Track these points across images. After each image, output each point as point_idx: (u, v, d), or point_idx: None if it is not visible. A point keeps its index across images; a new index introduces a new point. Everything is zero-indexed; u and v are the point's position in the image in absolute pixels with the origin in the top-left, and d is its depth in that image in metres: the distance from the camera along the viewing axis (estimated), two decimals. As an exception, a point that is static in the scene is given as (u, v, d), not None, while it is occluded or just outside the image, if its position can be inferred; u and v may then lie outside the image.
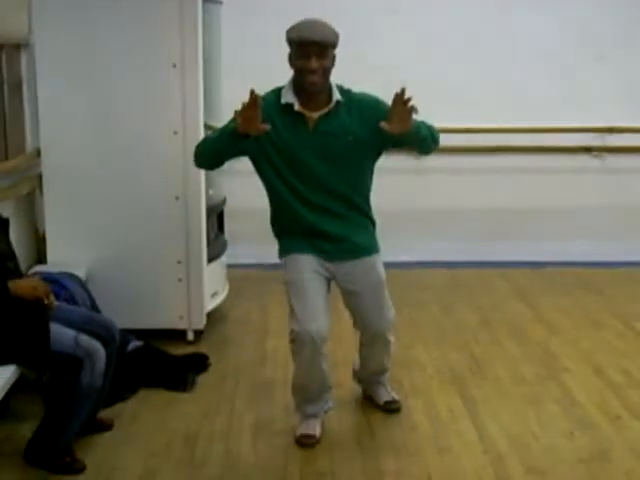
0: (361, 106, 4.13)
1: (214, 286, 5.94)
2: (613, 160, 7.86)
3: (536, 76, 7.53)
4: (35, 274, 4.71)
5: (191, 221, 5.52)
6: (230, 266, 6.52)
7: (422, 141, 4.10)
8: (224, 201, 6.26)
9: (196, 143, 5.30)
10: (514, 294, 6.95)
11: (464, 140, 7.45)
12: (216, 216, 6.13)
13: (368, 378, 4.76)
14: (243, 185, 7.02)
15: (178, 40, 5.29)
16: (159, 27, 5.32)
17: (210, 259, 5.76)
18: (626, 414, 4.71)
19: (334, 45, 4.02)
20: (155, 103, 5.39)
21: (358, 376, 4.83)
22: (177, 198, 5.47)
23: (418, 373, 5.24)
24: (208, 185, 5.69)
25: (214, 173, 5.66)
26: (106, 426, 4.48)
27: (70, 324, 4.05)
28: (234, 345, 5.77)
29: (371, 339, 4.50)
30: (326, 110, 4.08)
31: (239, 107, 3.81)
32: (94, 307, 4.84)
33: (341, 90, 4.13)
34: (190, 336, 5.69)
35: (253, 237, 7.05)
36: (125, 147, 5.45)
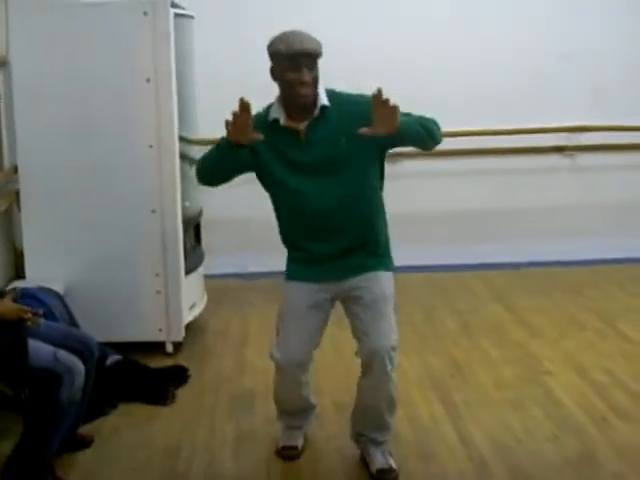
0: (349, 106, 3.89)
1: (192, 298, 5.92)
2: (585, 159, 7.87)
3: (506, 78, 7.53)
4: (13, 289, 4.68)
5: (168, 234, 5.52)
6: (208, 277, 6.49)
7: (416, 137, 3.80)
8: (200, 213, 6.24)
9: (171, 156, 5.30)
10: (492, 296, 6.95)
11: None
12: (193, 228, 6.10)
13: (365, 431, 4.25)
14: (219, 196, 7.01)
15: (151, 55, 5.32)
16: (132, 43, 5.34)
17: (188, 271, 5.75)
18: (611, 415, 4.70)
19: (321, 55, 3.83)
20: (130, 118, 5.40)
21: (356, 432, 4.33)
22: (154, 211, 5.46)
23: (399, 380, 5.18)
24: (184, 197, 5.68)
25: (190, 185, 5.66)
26: (86, 442, 4.44)
27: (48, 340, 4.02)
28: (213, 356, 5.74)
29: (368, 359, 4.03)
30: (312, 118, 3.88)
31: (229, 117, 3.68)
32: (73, 322, 4.80)
33: (328, 94, 3.91)
34: (169, 348, 5.66)
35: (230, 247, 7.05)
36: (101, 162, 5.44)
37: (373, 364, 4.01)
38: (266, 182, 4.03)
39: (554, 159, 7.84)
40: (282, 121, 3.89)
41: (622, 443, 4.40)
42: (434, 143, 3.90)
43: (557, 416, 4.71)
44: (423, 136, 3.82)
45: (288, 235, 4.12)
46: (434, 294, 7.05)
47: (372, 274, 4.07)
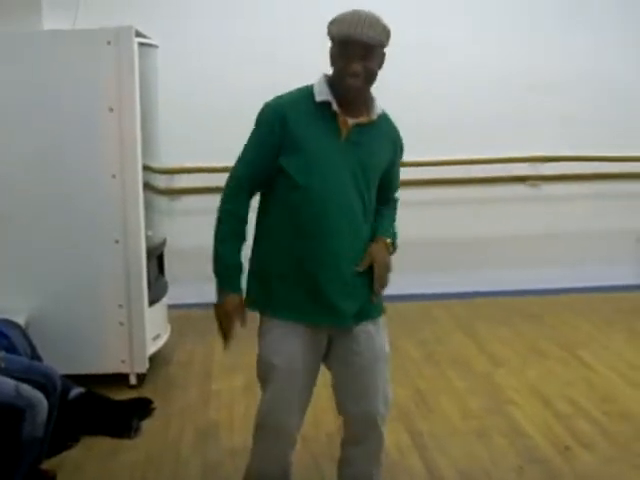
0: (392, 133, 3.62)
1: (156, 329, 5.88)
2: (547, 188, 7.94)
3: (475, 109, 7.57)
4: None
5: (131, 264, 5.47)
6: (171, 307, 6.44)
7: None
8: (164, 242, 6.21)
9: (135, 186, 5.26)
10: (455, 326, 6.96)
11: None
12: (156, 258, 6.07)
13: None
14: (182, 225, 7.01)
15: (115, 84, 5.29)
16: (96, 72, 5.32)
17: (151, 302, 5.71)
18: (575, 444, 4.71)
19: (383, 45, 3.34)
20: (93, 147, 5.37)
21: None
22: (117, 241, 5.42)
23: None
24: (147, 227, 5.64)
25: (153, 214, 5.65)
26: (49, 477, 4.37)
27: (10, 374, 3.98)
28: (178, 388, 5.69)
29: (362, 429, 3.60)
30: (365, 120, 3.42)
31: None
32: (35, 354, 4.76)
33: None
34: (133, 380, 5.60)
35: (194, 276, 6.98)
36: (64, 191, 5.40)
37: (369, 432, 3.61)
38: (280, 179, 3.42)
39: (518, 189, 7.89)
40: (334, 106, 3.37)
41: (586, 472, 4.40)
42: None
43: (522, 446, 4.71)
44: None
45: (279, 255, 3.47)
46: (398, 324, 7.01)
47: (375, 322, 3.59)
